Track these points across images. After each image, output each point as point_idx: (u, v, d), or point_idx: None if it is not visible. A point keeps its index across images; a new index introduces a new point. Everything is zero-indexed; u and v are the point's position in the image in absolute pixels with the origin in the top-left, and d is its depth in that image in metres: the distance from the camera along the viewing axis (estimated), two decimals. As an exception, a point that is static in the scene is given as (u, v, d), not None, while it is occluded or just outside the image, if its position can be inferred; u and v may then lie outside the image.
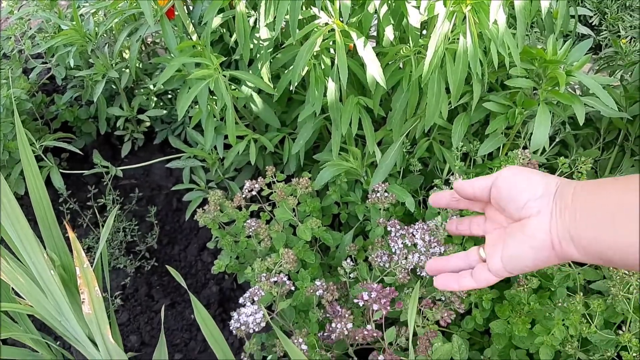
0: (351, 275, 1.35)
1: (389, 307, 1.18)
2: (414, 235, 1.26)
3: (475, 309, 1.35)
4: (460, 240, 1.39)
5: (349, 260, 1.35)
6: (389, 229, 1.31)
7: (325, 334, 1.23)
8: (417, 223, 1.28)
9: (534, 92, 1.40)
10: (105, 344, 1.16)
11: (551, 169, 1.53)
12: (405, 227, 1.30)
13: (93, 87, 1.95)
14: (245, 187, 1.44)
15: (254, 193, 1.44)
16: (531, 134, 1.36)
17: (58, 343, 1.51)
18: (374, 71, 1.29)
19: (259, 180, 1.44)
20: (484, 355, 1.32)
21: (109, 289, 1.55)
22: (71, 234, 1.04)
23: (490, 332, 1.38)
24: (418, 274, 1.29)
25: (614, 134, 1.67)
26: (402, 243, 1.27)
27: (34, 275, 1.14)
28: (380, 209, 1.42)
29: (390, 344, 1.21)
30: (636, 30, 2.45)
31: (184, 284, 1.22)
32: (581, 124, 1.32)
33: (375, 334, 1.18)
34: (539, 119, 1.33)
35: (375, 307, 1.17)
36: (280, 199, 1.41)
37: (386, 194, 1.39)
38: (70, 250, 1.12)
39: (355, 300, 1.20)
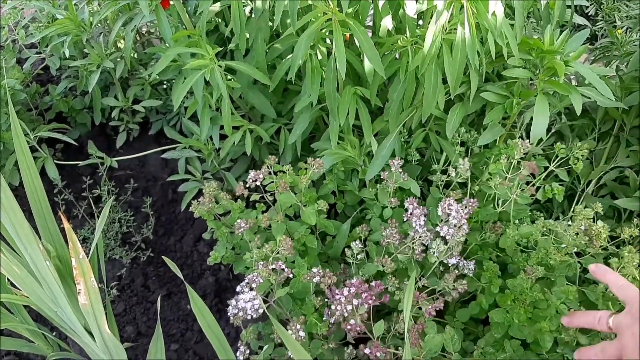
0: (358, 257, 1.34)
1: (370, 301, 1.18)
2: (450, 207, 1.26)
3: (480, 295, 1.35)
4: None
5: (357, 242, 1.34)
6: (406, 206, 1.31)
7: (324, 318, 1.24)
8: (444, 198, 1.28)
9: (531, 82, 1.40)
10: (102, 334, 1.16)
11: (547, 159, 1.53)
12: (421, 207, 1.30)
13: (88, 78, 1.93)
14: (250, 176, 1.43)
15: (257, 183, 1.43)
16: (527, 124, 1.36)
17: (54, 334, 1.51)
18: (373, 61, 1.28)
19: (262, 169, 1.43)
20: (478, 346, 1.32)
21: (104, 279, 1.55)
22: (66, 225, 1.03)
23: (484, 322, 1.39)
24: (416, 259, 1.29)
25: (610, 124, 1.67)
26: (424, 220, 1.28)
27: (30, 266, 1.13)
28: (388, 192, 1.42)
29: (384, 338, 1.22)
30: (632, 21, 2.44)
31: (180, 274, 1.22)
32: (578, 114, 1.32)
33: (359, 328, 1.18)
34: (537, 110, 1.33)
35: (355, 302, 1.17)
36: (284, 190, 1.40)
37: (400, 171, 1.39)
38: (66, 241, 1.11)
39: (337, 296, 1.20)
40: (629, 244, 1.29)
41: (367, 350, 1.18)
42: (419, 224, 1.28)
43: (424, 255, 1.28)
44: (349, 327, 1.18)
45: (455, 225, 1.24)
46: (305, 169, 1.43)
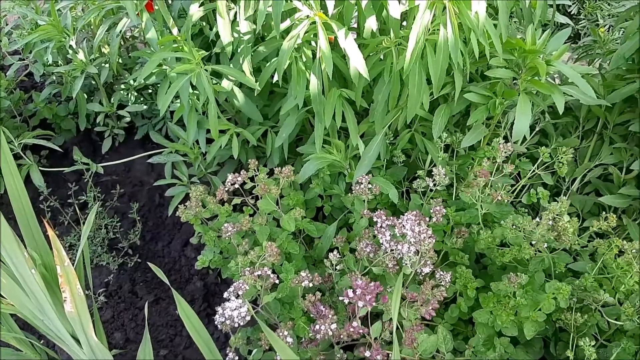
0: (337, 268, 1.35)
1: (374, 303, 1.18)
2: (404, 226, 1.25)
3: (460, 297, 1.36)
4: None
5: (335, 252, 1.35)
6: (375, 219, 1.32)
7: (310, 334, 1.23)
8: (406, 213, 1.28)
9: (514, 82, 1.41)
10: (89, 341, 1.15)
11: (531, 158, 1.54)
12: (391, 217, 1.30)
13: (72, 83, 1.92)
14: (227, 180, 1.43)
15: (236, 186, 1.43)
16: (512, 123, 1.37)
17: (42, 342, 1.49)
18: (357, 63, 1.28)
19: (242, 173, 1.43)
20: (469, 345, 1.32)
21: (91, 286, 1.54)
22: (51, 232, 1.03)
23: (472, 321, 1.40)
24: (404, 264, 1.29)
25: (593, 122, 1.69)
26: (389, 235, 1.28)
27: (15, 274, 1.12)
28: (364, 201, 1.42)
29: (375, 338, 1.22)
30: (614, 19, 2.47)
31: (165, 280, 1.22)
32: (561, 113, 1.33)
33: (361, 331, 1.18)
34: (519, 109, 1.34)
35: (360, 303, 1.17)
36: (263, 192, 1.41)
37: (370, 186, 1.40)
38: (52, 249, 1.10)
39: (341, 298, 1.20)
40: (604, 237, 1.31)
41: (367, 354, 1.18)
42: (385, 239, 1.27)
43: (397, 267, 1.28)
44: (351, 329, 1.18)
45: (414, 243, 1.24)
46: (277, 179, 1.44)
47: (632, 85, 1.50)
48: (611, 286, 1.24)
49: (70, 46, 1.84)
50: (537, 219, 1.29)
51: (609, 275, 1.27)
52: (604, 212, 1.60)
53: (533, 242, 1.29)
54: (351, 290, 1.18)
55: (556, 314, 1.26)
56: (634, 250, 1.21)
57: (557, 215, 1.28)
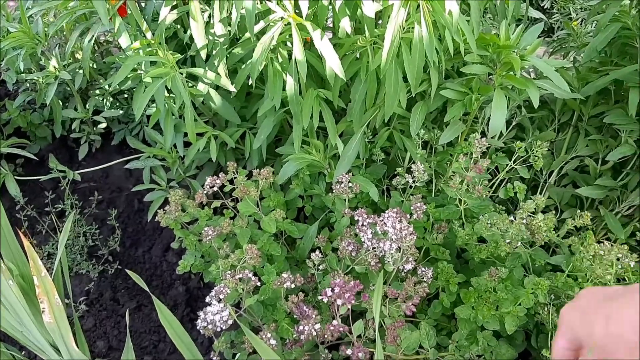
0: (320, 267, 1.35)
1: (353, 301, 1.18)
2: (386, 224, 1.26)
3: (442, 293, 1.37)
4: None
5: (317, 252, 1.35)
6: (356, 218, 1.32)
7: (294, 335, 1.23)
8: (387, 210, 1.28)
9: (490, 77, 1.42)
10: (69, 351, 1.14)
11: (509, 152, 1.56)
12: (372, 215, 1.30)
13: (46, 90, 1.90)
14: (206, 183, 1.42)
15: (216, 189, 1.42)
16: (489, 118, 1.38)
17: (23, 353, 1.47)
18: (333, 63, 1.28)
19: (220, 176, 1.43)
20: (452, 340, 1.33)
21: (71, 295, 1.52)
22: (26, 243, 1.01)
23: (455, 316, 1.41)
24: (386, 262, 1.29)
25: (569, 115, 1.71)
26: (371, 232, 1.28)
27: (-8, 286, 1.10)
28: (345, 200, 1.42)
29: (359, 336, 1.22)
30: (587, 12, 2.50)
31: (145, 286, 1.20)
32: (536, 107, 1.34)
33: (341, 329, 1.18)
34: (495, 104, 1.35)
35: (339, 301, 1.17)
36: (243, 195, 1.40)
37: (350, 184, 1.40)
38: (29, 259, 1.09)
39: (320, 297, 1.20)
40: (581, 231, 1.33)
41: (349, 352, 1.18)
42: (367, 237, 1.28)
43: (379, 265, 1.29)
44: (331, 328, 1.18)
45: (396, 240, 1.24)
46: (256, 180, 1.44)
47: (605, 78, 1.52)
48: (586, 279, 1.25)
49: (43, 53, 1.81)
50: (512, 218, 1.30)
51: (584, 267, 1.28)
52: (579, 205, 1.63)
53: (508, 241, 1.30)
54: (329, 289, 1.18)
55: (532, 309, 1.27)
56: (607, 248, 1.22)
57: (530, 214, 1.28)
